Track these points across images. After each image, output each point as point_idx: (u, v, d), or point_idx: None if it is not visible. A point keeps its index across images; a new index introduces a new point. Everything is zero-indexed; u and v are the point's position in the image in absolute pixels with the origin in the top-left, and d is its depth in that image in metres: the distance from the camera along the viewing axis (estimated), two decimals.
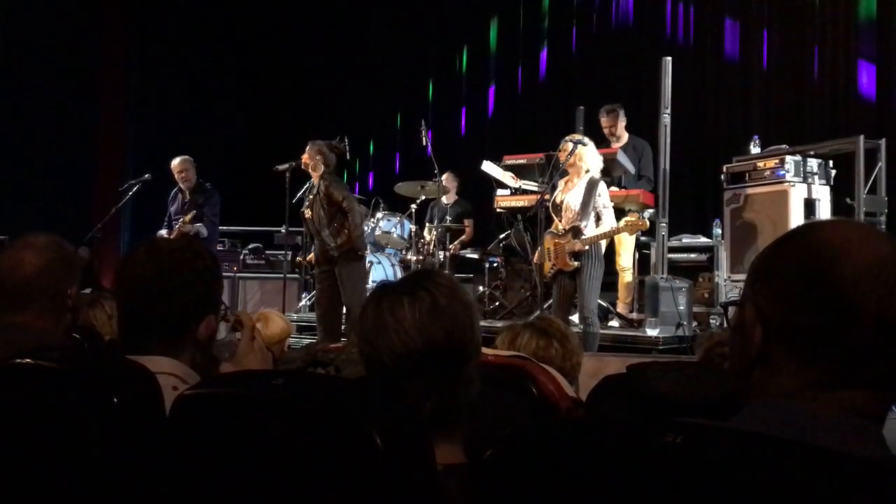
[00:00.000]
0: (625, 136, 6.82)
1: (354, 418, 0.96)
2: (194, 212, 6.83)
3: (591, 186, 5.23)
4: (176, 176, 7.07)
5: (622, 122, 6.81)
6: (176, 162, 7.07)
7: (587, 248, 5.16)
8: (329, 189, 5.83)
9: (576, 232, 5.19)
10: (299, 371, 1.54)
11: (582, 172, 5.31)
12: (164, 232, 6.94)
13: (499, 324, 6.11)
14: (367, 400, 1.02)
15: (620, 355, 5.20)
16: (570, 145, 5.37)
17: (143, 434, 1.18)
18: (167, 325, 1.52)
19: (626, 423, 0.84)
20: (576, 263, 5.17)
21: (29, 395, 1.29)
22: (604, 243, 6.21)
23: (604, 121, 6.85)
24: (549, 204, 5.41)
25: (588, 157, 5.32)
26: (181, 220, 6.80)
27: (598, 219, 5.27)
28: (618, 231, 5.33)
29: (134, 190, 7.46)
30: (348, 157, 8.55)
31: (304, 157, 6.05)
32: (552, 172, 5.73)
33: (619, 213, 6.57)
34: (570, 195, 5.30)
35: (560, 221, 5.31)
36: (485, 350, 2.18)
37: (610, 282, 6.76)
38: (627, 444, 0.78)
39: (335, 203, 5.83)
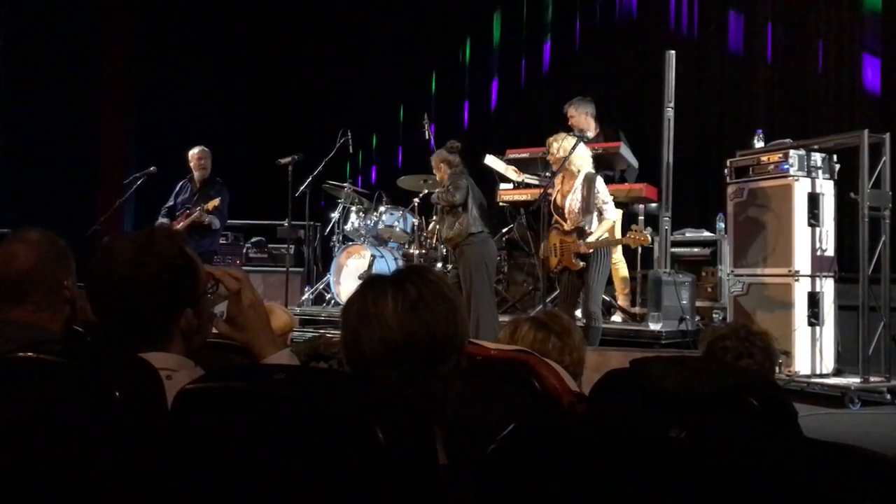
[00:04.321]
0: (592, 127, 6.72)
1: (356, 413, 0.96)
2: (220, 198, 6.83)
3: (589, 184, 5.24)
4: (194, 163, 7.06)
5: (585, 114, 6.69)
6: (195, 151, 7.08)
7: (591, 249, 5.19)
8: (447, 179, 6.13)
9: (580, 233, 5.22)
10: (302, 365, 1.54)
11: (574, 170, 5.30)
12: (165, 221, 6.95)
13: (502, 318, 6.11)
14: (369, 395, 1.01)
15: (623, 349, 5.20)
16: (556, 145, 5.37)
17: (145, 428, 1.18)
18: (141, 328, 1.50)
19: (630, 417, 0.83)
20: (581, 264, 5.20)
21: (30, 388, 1.29)
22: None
23: (569, 111, 6.76)
24: (551, 202, 5.41)
25: (578, 153, 5.31)
26: (201, 206, 6.78)
27: (599, 214, 5.27)
28: (620, 242, 5.37)
29: (139, 183, 7.46)
30: (351, 150, 8.58)
31: (435, 173, 6.38)
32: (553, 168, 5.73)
33: (623, 207, 6.57)
34: (569, 197, 5.31)
35: (564, 221, 5.32)
36: (487, 344, 2.18)
37: None
38: (631, 439, 0.78)
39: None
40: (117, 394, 1.18)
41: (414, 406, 1.11)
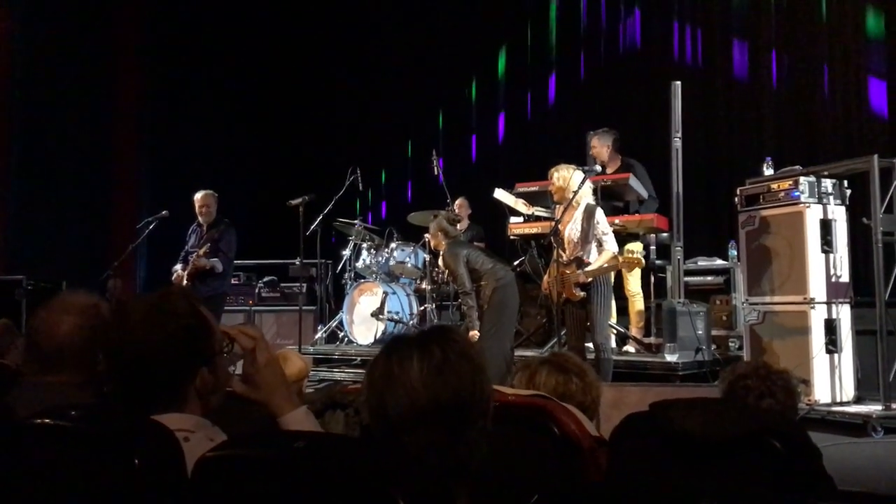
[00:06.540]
0: (612, 159, 6.79)
1: (378, 482, 0.95)
2: (208, 245, 6.86)
3: (589, 215, 5.23)
4: (197, 209, 7.09)
5: (606, 146, 6.76)
6: (199, 195, 7.09)
7: (591, 279, 5.17)
8: (444, 260, 6.22)
9: (579, 263, 5.20)
10: (322, 432, 1.52)
11: (574, 202, 5.29)
12: (178, 267, 6.97)
13: (517, 352, 6.09)
14: (390, 463, 1.00)
15: (641, 384, 5.14)
16: (557, 175, 5.37)
17: (166, 496, 1.17)
18: (156, 389, 1.49)
19: (661, 485, 0.82)
20: (582, 294, 5.17)
21: (47, 456, 1.28)
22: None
23: (592, 141, 6.84)
24: (552, 233, 5.41)
25: (574, 185, 5.30)
26: (195, 253, 6.83)
27: (599, 245, 5.26)
28: (616, 267, 5.34)
29: (151, 227, 7.50)
30: (360, 187, 8.62)
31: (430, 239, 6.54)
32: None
33: (633, 238, 6.56)
34: (569, 227, 5.30)
35: (563, 252, 5.31)
36: (504, 390, 2.16)
37: (621, 307, 6.72)
38: None
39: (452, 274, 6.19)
40: (137, 461, 1.17)
41: (437, 473, 1.10)
